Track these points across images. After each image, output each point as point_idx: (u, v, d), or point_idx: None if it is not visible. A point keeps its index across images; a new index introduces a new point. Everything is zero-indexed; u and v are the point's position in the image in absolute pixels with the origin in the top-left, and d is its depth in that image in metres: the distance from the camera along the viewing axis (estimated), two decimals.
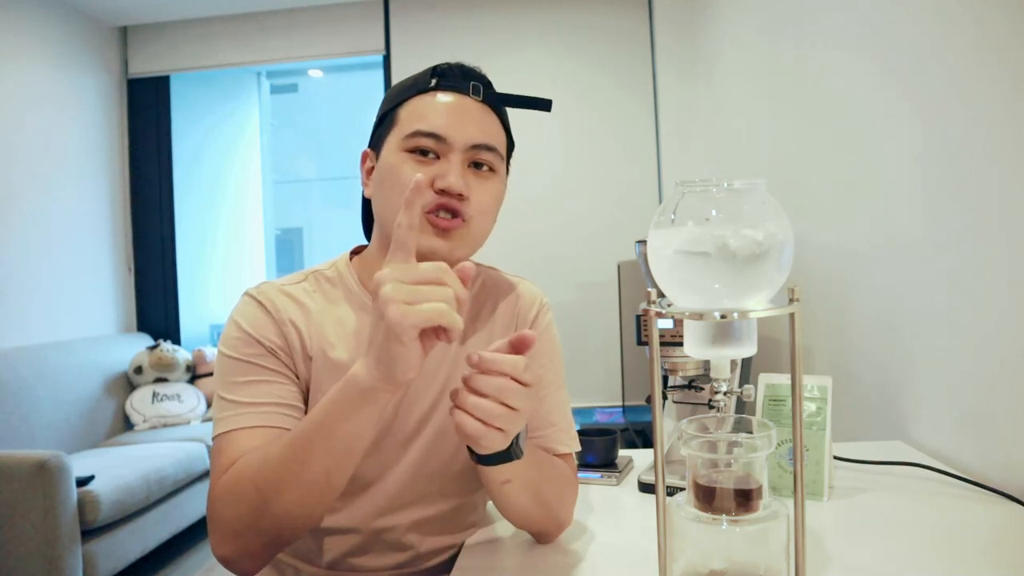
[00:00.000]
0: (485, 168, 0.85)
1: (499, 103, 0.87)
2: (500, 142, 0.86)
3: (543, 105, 0.87)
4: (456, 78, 0.85)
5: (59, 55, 3.28)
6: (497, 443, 0.66)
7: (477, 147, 0.83)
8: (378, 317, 0.61)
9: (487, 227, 0.87)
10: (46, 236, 3.14)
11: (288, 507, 0.70)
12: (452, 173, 0.80)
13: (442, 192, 0.80)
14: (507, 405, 0.64)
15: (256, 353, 0.82)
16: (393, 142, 0.83)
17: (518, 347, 0.67)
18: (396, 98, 0.86)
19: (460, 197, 0.81)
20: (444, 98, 0.84)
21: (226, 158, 4.18)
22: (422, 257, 0.82)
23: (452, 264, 0.87)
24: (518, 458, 0.71)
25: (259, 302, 0.85)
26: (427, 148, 0.81)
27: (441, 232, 0.82)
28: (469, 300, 0.93)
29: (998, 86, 0.98)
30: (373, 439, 0.86)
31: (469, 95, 0.84)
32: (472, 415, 0.64)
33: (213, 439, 0.80)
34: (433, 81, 0.84)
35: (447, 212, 0.81)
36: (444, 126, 0.81)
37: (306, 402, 0.85)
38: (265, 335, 0.83)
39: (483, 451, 0.68)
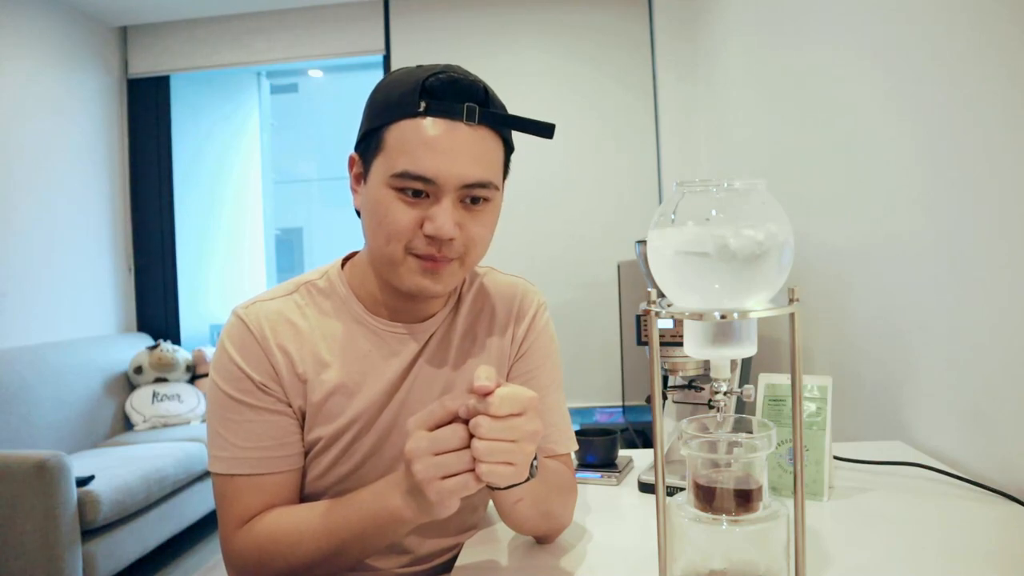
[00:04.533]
0: (480, 201, 0.79)
1: (496, 125, 0.79)
2: (496, 169, 0.80)
3: (544, 131, 0.78)
4: (448, 99, 0.75)
5: (59, 55, 3.28)
6: (508, 478, 0.64)
7: (470, 186, 0.77)
8: (418, 489, 0.65)
9: (481, 253, 0.84)
10: (46, 236, 3.14)
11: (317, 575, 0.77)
12: (442, 216, 0.75)
13: (431, 238, 0.76)
14: (504, 440, 0.62)
15: (247, 390, 0.82)
16: (380, 172, 0.77)
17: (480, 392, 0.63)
18: (383, 115, 0.77)
19: (450, 240, 0.77)
20: (434, 128, 0.75)
21: (226, 158, 4.18)
22: (412, 295, 0.82)
23: (442, 296, 0.87)
24: (533, 477, 0.71)
25: (247, 327, 0.83)
26: (416, 190, 0.76)
27: (430, 273, 0.79)
28: (466, 305, 0.93)
29: (998, 86, 0.98)
30: (375, 447, 0.87)
31: (463, 120, 0.75)
32: (477, 459, 0.63)
33: (213, 474, 0.83)
34: (422, 105, 0.75)
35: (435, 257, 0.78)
36: (434, 167, 0.74)
37: (303, 422, 0.85)
38: (254, 368, 0.82)
39: (499, 486, 0.68)
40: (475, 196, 0.78)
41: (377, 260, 0.83)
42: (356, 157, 0.83)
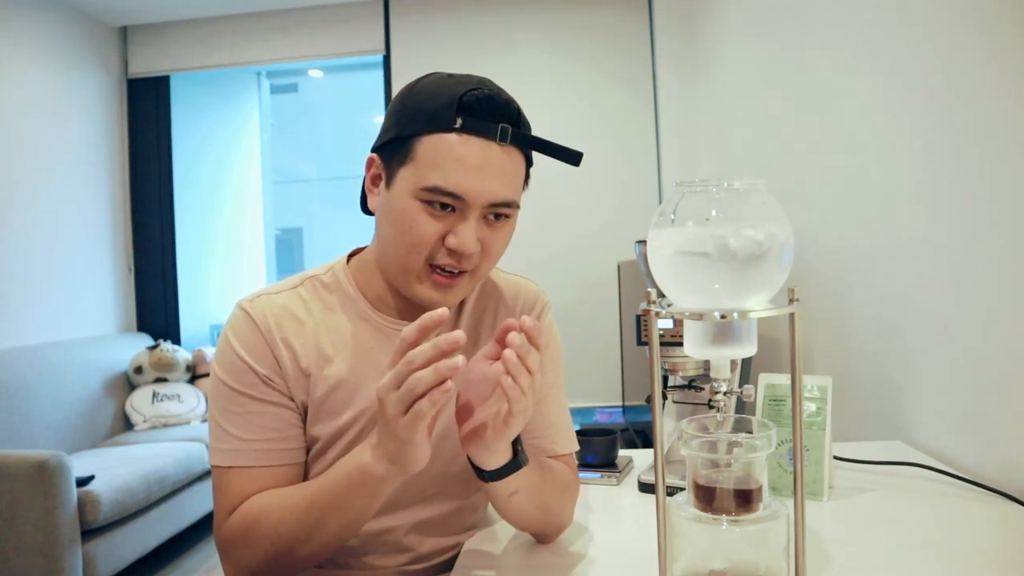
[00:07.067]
0: (501, 217, 0.81)
1: (526, 146, 0.80)
2: (519, 187, 0.82)
3: (573, 158, 0.80)
4: (484, 118, 0.75)
5: (59, 55, 3.28)
6: (518, 402, 0.67)
7: (496, 204, 0.78)
8: (388, 434, 0.67)
9: (494, 265, 0.85)
10: (46, 236, 3.14)
11: (302, 557, 0.77)
12: (466, 232, 0.77)
13: (452, 251, 0.78)
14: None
15: (250, 383, 0.82)
16: (407, 182, 0.77)
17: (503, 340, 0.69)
18: (414, 125, 0.77)
19: (470, 254, 0.78)
20: (468, 146, 0.75)
21: (226, 158, 4.18)
22: (421, 306, 0.82)
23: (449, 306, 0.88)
24: (526, 463, 0.73)
25: (252, 319, 0.84)
26: (444, 203, 0.76)
27: (443, 288, 0.80)
28: (470, 304, 0.93)
29: (998, 86, 0.98)
30: None
31: (496, 140, 0.76)
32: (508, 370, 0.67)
33: (212, 466, 0.83)
34: (458, 121, 0.75)
35: (452, 268, 0.79)
36: (464, 184, 0.75)
37: (306, 416, 0.85)
38: (258, 361, 0.82)
39: (499, 448, 0.71)
40: (498, 213, 0.80)
41: (391, 267, 0.83)
42: (377, 159, 0.82)
